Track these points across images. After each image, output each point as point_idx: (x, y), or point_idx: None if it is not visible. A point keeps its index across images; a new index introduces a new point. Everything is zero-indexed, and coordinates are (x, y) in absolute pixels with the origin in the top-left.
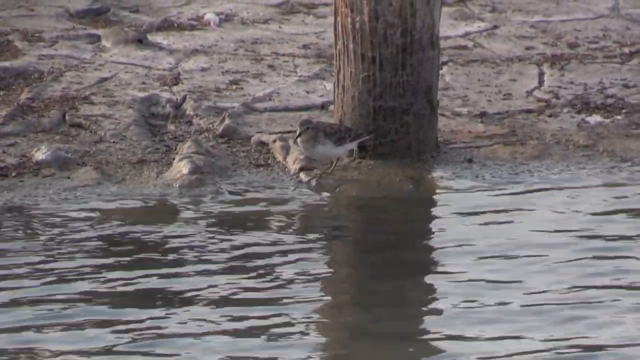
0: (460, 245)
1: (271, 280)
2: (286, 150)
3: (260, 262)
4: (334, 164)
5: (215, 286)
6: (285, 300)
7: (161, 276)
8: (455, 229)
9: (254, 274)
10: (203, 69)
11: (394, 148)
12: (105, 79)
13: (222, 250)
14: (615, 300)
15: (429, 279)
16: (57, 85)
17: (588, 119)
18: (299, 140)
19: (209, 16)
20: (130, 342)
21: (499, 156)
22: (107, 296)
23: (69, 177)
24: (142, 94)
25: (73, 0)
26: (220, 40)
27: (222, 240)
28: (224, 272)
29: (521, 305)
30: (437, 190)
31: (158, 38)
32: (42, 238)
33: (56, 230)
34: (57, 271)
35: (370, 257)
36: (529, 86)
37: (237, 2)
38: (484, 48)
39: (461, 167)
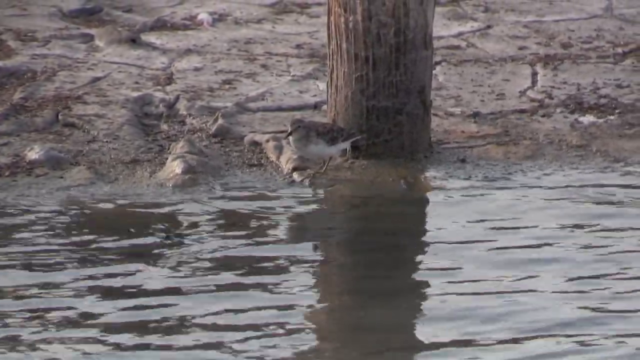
0: (453, 245)
1: (263, 280)
2: (279, 150)
3: (252, 262)
4: (326, 164)
5: (208, 285)
6: (277, 301)
7: (153, 276)
8: (448, 229)
9: (246, 273)
10: (196, 69)
11: (387, 148)
12: (99, 79)
13: (215, 250)
14: (610, 297)
15: (422, 278)
16: (50, 85)
17: (581, 119)
18: (291, 139)
19: (203, 16)
20: (121, 340)
21: (492, 156)
22: (99, 295)
23: (62, 177)
24: (135, 94)
25: None
26: (214, 40)
27: (214, 240)
28: (216, 271)
29: (517, 304)
30: (430, 190)
31: (151, 38)
32: (33, 236)
33: (48, 228)
34: (46, 269)
35: (363, 257)
36: (522, 86)
37: (230, 2)
38: (477, 48)
39: (454, 167)
